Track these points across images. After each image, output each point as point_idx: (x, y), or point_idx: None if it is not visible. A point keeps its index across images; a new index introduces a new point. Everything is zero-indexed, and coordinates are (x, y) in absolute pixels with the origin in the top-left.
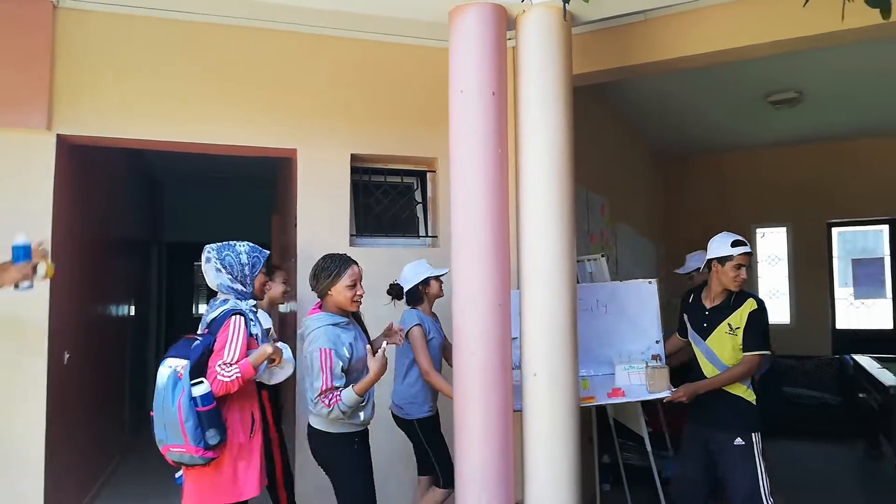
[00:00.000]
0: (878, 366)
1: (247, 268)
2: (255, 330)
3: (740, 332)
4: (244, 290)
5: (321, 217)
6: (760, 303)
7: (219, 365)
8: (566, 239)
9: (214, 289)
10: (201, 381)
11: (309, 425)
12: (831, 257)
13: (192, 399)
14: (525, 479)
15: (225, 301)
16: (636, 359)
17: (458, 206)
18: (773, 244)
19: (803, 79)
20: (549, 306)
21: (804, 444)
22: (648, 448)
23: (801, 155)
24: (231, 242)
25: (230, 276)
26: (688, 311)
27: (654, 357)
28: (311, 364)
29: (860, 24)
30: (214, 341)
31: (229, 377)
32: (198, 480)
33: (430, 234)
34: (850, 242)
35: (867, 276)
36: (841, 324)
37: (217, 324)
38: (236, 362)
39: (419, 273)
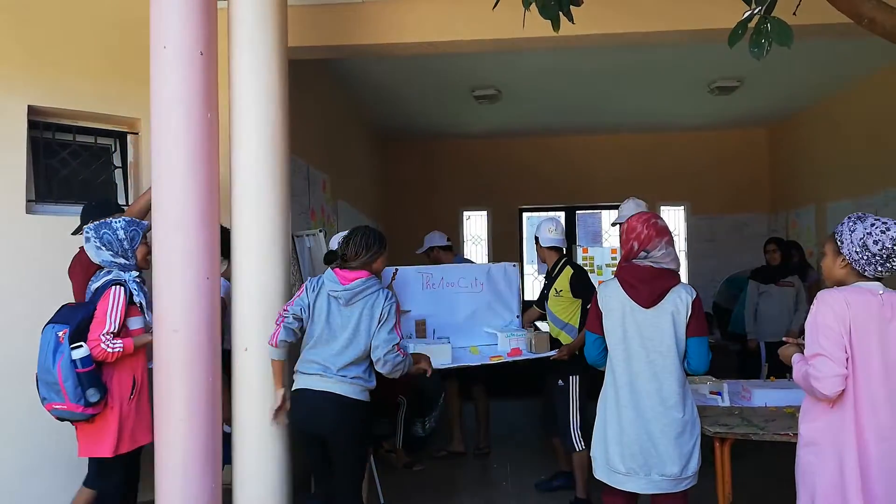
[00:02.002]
0: None
1: (125, 242)
2: (139, 299)
3: (564, 294)
4: (127, 262)
5: None
6: (576, 268)
7: (103, 334)
8: (280, 211)
9: (99, 264)
10: (80, 346)
11: (336, 395)
12: (521, 238)
13: (73, 361)
14: (234, 459)
15: (108, 273)
16: (503, 330)
17: (161, 172)
18: (476, 226)
19: (502, 77)
20: (262, 279)
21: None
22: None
23: (501, 147)
24: (108, 220)
25: (111, 253)
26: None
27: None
28: (387, 317)
29: (540, 34)
30: (95, 309)
31: (112, 349)
32: (86, 434)
33: (130, 203)
34: (535, 225)
35: None
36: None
37: (98, 293)
38: (118, 334)
39: None
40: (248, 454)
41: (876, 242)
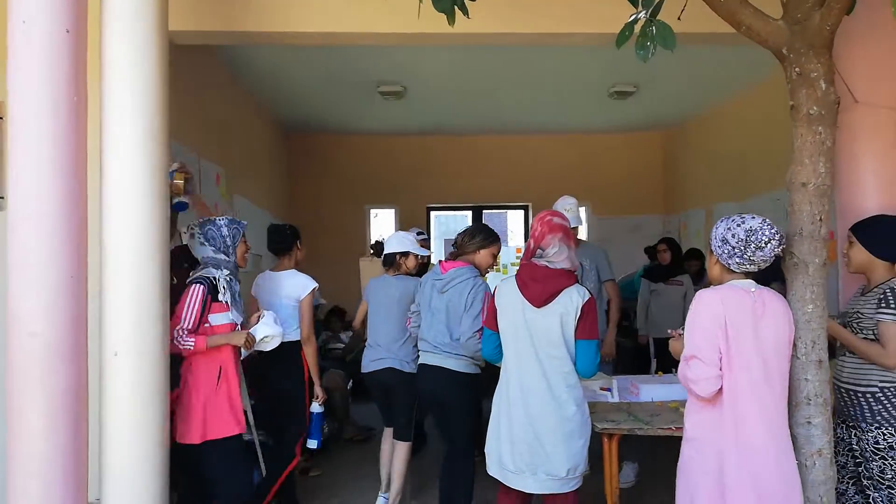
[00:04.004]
0: None
1: (228, 239)
2: (224, 297)
3: None
4: (227, 259)
5: None
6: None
7: (177, 329)
8: (157, 205)
9: (200, 259)
10: None
11: (445, 369)
12: (429, 234)
13: None
14: (101, 473)
15: (205, 268)
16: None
17: (19, 159)
18: (383, 223)
19: (407, 74)
20: (136, 278)
21: None
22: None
23: (409, 144)
24: (212, 217)
25: (213, 248)
26: None
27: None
28: (472, 305)
29: (436, 30)
30: (178, 303)
31: (183, 346)
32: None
33: None
34: (443, 224)
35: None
36: None
37: (184, 289)
38: (194, 331)
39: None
40: (119, 471)
41: (734, 235)
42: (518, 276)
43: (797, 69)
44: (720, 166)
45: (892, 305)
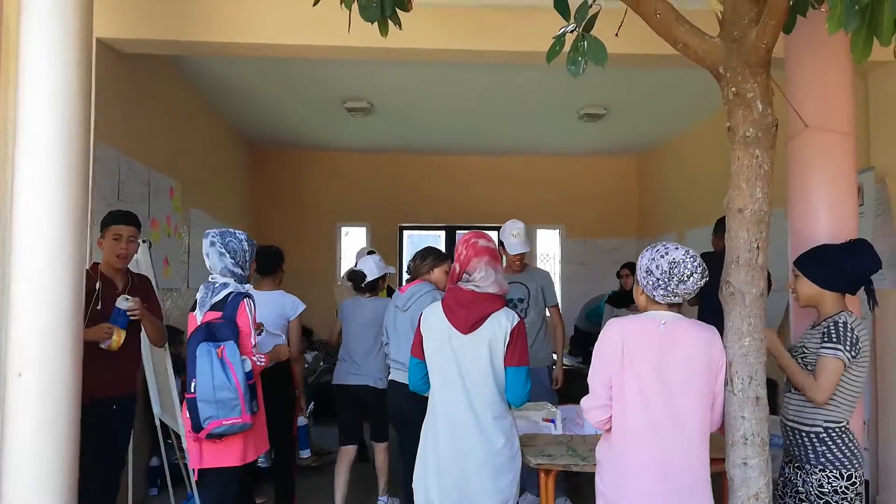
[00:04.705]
0: None
1: (248, 254)
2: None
3: None
4: (243, 274)
5: None
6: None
7: (254, 347)
8: (74, 217)
9: (214, 271)
10: (245, 359)
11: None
12: (402, 254)
13: (246, 374)
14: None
15: (225, 285)
16: None
17: None
18: (355, 241)
19: (372, 90)
20: (44, 292)
21: None
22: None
23: (380, 162)
24: (230, 230)
25: (233, 261)
26: None
27: None
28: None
29: (376, 44)
30: (234, 322)
31: (260, 363)
32: (220, 446)
33: None
34: (416, 244)
35: None
36: None
37: (231, 306)
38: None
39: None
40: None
41: (657, 267)
42: (444, 301)
43: (734, 89)
44: (693, 190)
45: (834, 340)
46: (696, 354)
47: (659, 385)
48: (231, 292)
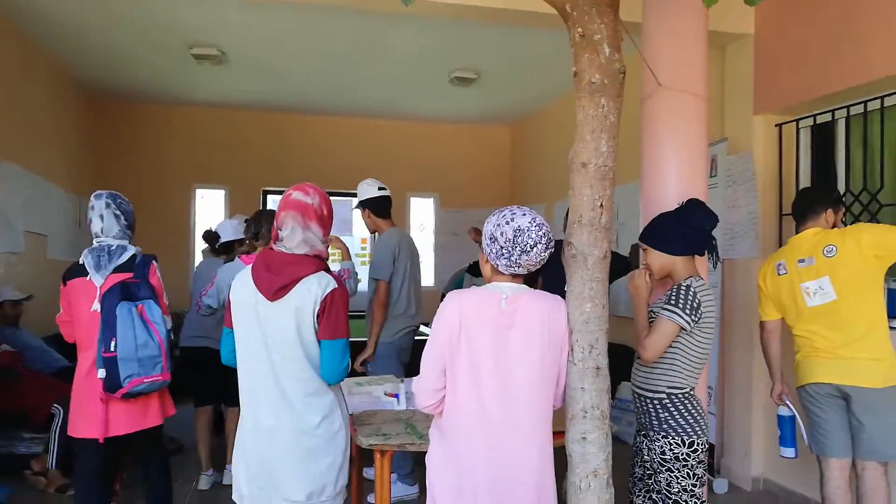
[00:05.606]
0: None
1: (132, 216)
2: None
3: None
4: (132, 235)
5: None
6: None
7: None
8: None
9: (106, 234)
10: (166, 318)
11: None
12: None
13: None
14: None
15: (124, 247)
16: None
17: None
18: (211, 205)
19: (224, 37)
20: None
21: None
22: None
23: (239, 120)
24: (114, 192)
25: (126, 223)
26: None
27: None
28: None
29: None
30: (149, 281)
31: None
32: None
33: None
34: None
35: None
36: None
37: (141, 267)
38: None
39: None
40: None
41: (502, 234)
42: (254, 264)
43: (580, 30)
44: (562, 161)
45: (672, 303)
46: (537, 329)
47: (494, 364)
48: (135, 254)
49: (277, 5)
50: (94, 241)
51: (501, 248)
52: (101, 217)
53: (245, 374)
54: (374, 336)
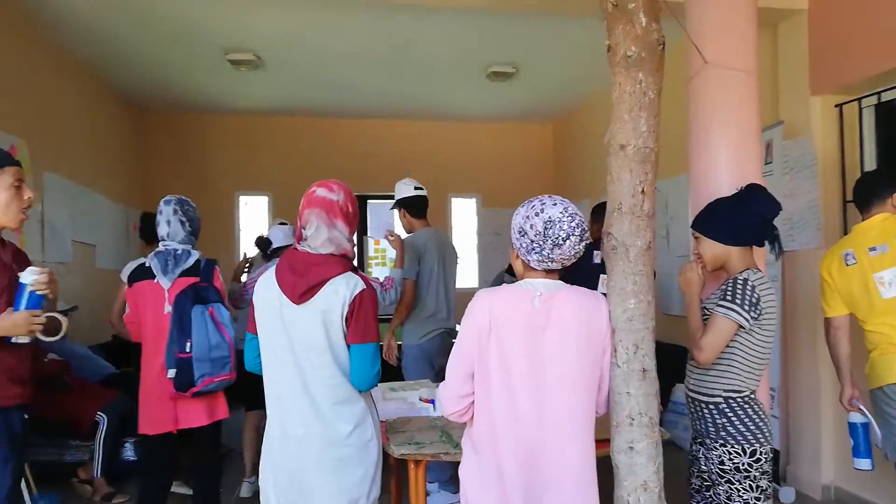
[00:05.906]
0: None
1: (197, 222)
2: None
3: None
4: (195, 241)
5: None
6: None
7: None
8: None
9: (172, 238)
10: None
11: None
12: None
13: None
14: None
15: (189, 252)
16: None
17: None
18: (256, 211)
19: (259, 41)
20: None
21: None
22: None
23: (280, 125)
24: (182, 198)
25: (191, 229)
26: None
27: None
28: None
29: None
30: (214, 284)
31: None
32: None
33: None
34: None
35: None
36: None
37: (206, 272)
38: None
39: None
40: None
41: (532, 227)
42: (277, 266)
43: (613, 0)
44: (605, 156)
45: (729, 298)
46: (574, 329)
47: (528, 366)
48: (199, 259)
49: (310, 7)
50: (159, 245)
51: (532, 241)
52: (168, 222)
53: (271, 382)
54: (389, 331)
